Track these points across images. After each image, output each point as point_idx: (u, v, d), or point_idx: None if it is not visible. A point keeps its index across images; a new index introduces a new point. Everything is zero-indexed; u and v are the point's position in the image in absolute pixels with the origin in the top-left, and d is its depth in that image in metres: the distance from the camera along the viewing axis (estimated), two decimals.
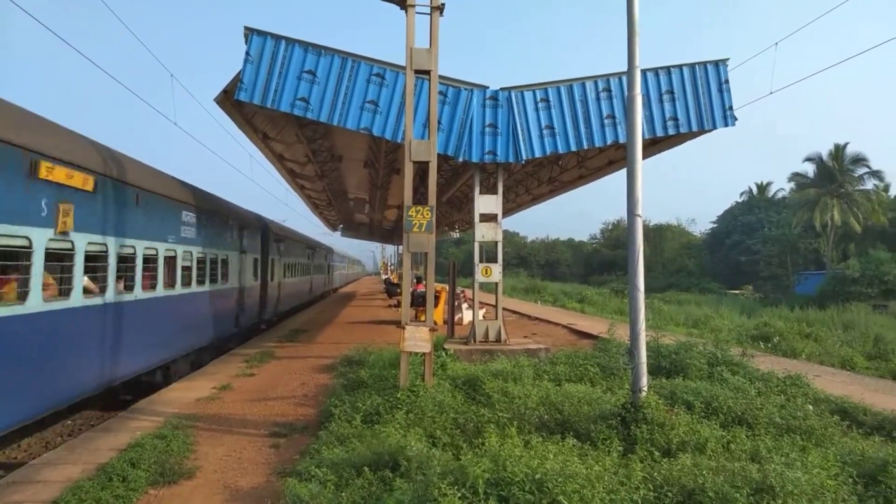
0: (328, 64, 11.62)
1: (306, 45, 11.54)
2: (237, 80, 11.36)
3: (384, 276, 61.52)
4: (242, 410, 9.15)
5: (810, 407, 7.82)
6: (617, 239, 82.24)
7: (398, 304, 21.56)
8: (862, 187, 55.20)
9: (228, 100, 12.31)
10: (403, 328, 8.30)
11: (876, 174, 55.32)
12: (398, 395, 7.74)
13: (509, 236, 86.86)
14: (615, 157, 16.99)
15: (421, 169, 13.67)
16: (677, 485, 4.80)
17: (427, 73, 8.85)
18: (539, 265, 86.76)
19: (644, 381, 6.69)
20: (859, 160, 55.33)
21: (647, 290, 7.56)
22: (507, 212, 27.22)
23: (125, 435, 7.58)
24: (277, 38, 11.41)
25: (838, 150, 55.89)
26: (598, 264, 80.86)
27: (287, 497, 5.16)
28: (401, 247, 9.45)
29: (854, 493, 5.12)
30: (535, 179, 21.25)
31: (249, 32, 11.29)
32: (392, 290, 34.47)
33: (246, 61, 11.25)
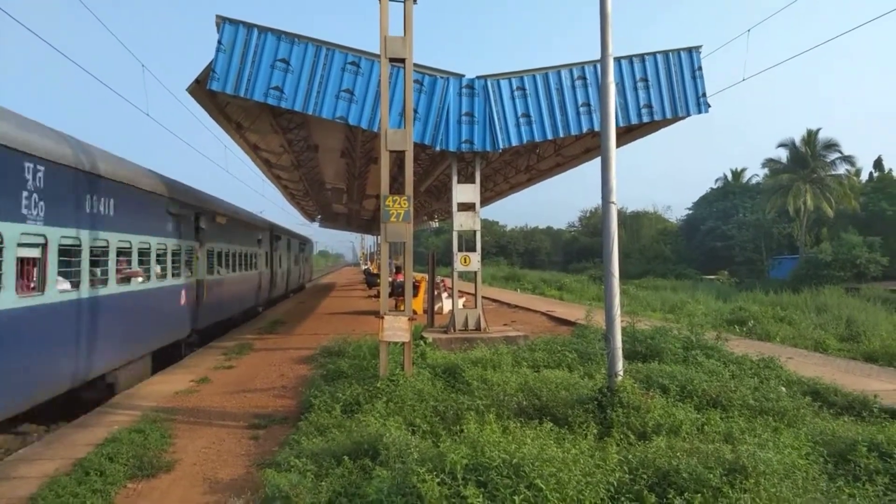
0: (302, 52, 11.51)
1: (279, 34, 11.40)
2: (209, 70, 11.20)
3: (364, 267, 61.35)
4: (221, 403, 9.10)
5: (783, 389, 7.99)
6: (595, 226, 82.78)
7: (378, 295, 21.58)
8: (834, 172, 56.28)
9: (201, 89, 12.12)
10: (383, 318, 8.32)
11: (847, 159, 56.50)
12: (378, 385, 7.77)
13: (488, 225, 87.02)
14: (591, 144, 17.09)
15: (398, 158, 13.66)
16: (652, 467, 4.88)
17: (402, 61, 8.81)
18: (518, 253, 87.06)
19: (620, 365, 6.78)
20: (831, 145, 56.38)
21: (624, 276, 7.66)
22: (486, 200, 27.29)
23: (102, 430, 7.51)
24: (250, 27, 11.26)
25: (811, 136, 56.86)
26: (576, 252, 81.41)
27: (267, 488, 5.15)
28: (379, 237, 9.44)
29: (824, 472, 5.26)
30: (513, 168, 21.31)
31: (221, 21, 11.12)
32: (372, 280, 34.40)
33: (218, 50, 11.09)
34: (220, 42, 11.07)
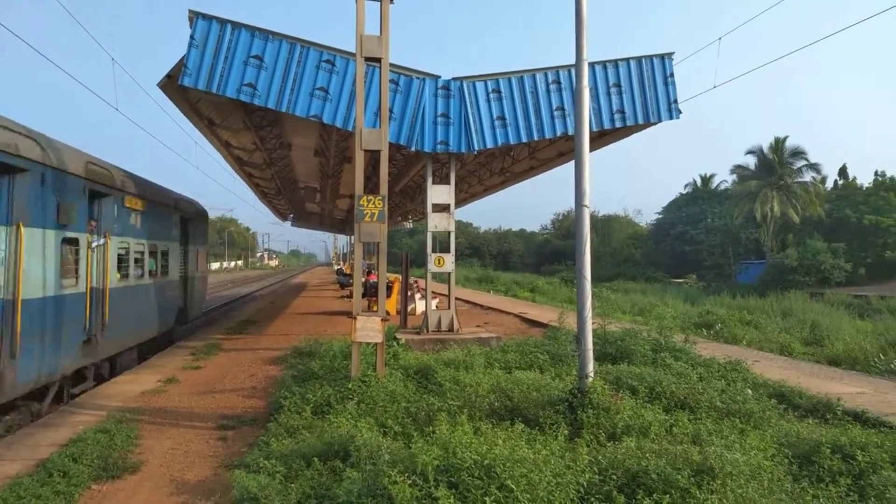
0: (276, 49, 11.38)
1: (253, 30, 11.26)
2: (181, 65, 11.00)
3: (336, 267, 60.95)
4: (189, 403, 8.94)
5: (749, 391, 8.12)
6: (567, 229, 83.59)
7: (350, 295, 21.41)
8: (800, 179, 57.82)
9: (172, 85, 11.90)
10: (355, 318, 8.26)
11: (813, 167, 58.17)
12: (349, 386, 7.71)
13: (462, 226, 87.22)
14: (565, 148, 17.24)
15: (373, 158, 13.60)
16: (622, 467, 4.93)
17: (378, 60, 8.77)
18: (492, 255, 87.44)
19: (590, 367, 6.84)
20: (798, 153, 57.94)
21: (596, 279, 7.73)
22: (460, 202, 27.34)
23: (66, 430, 7.33)
24: (223, 22, 11.09)
25: (778, 143, 58.32)
26: (549, 254, 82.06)
27: (235, 489, 5.08)
28: (353, 237, 9.37)
29: (789, 473, 5.35)
30: (488, 170, 21.38)
31: (194, 16, 10.94)
32: (344, 280, 34.20)
33: (190, 45, 10.89)
34: (192, 37, 10.89)
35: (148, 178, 13.88)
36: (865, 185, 59.63)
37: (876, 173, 58.64)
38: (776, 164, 57.75)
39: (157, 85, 12.14)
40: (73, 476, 5.68)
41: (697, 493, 4.46)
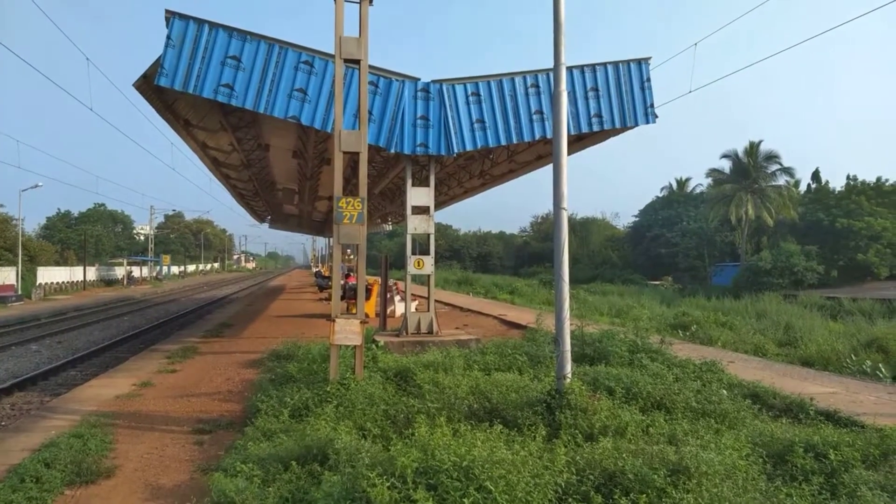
0: (254, 50, 11.30)
1: (231, 31, 11.16)
2: (157, 65, 10.86)
3: (315, 269, 60.54)
4: (164, 407, 8.83)
5: (724, 392, 8.20)
6: (546, 232, 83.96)
7: (329, 298, 21.27)
8: (774, 183, 58.87)
9: (148, 85, 11.75)
10: (334, 321, 8.22)
11: (787, 171, 59.25)
12: (328, 389, 7.67)
13: (442, 229, 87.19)
14: (544, 151, 17.36)
15: (352, 160, 13.56)
16: (599, 467, 4.97)
17: (357, 62, 8.75)
18: (471, 257, 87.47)
19: (568, 368, 6.89)
20: (772, 157, 59.00)
21: (574, 281, 7.77)
22: (440, 204, 27.36)
23: (39, 435, 7.21)
24: (200, 23, 10.98)
25: (753, 147, 59.34)
26: (528, 256, 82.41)
27: (212, 493, 5.02)
28: (332, 239, 9.33)
29: (763, 473, 5.42)
30: (467, 172, 21.44)
31: (171, 16, 10.81)
32: (323, 283, 33.94)
33: (167, 45, 10.77)
34: (169, 37, 10.76)
35: (123, 179, 13.71)
36: (838, 188, 60.88)
37: (848, 177, 59.93)
38: (751, 167, 58.77)
39: (133, 85, 11.97)
40: (46, 481, 5.58)
41: (673, 492, 4.51)
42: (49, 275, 46.99)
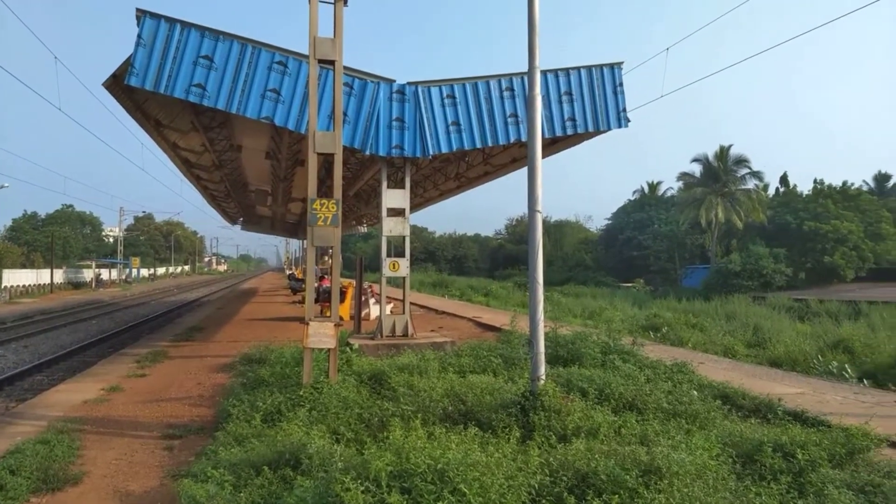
0: (227, 50, 11.16)
1: (203, 30, 11.01)
2: (128, 65, 10.67)
3: (288, 272, 59.96)
4: (133, 412, 8.65)
5: (695, 392, 8.29)
6: (521, 234, 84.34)
7: (302, 301, 21.07)
8: (744, 186, 60.09)
9: (118, 85, 11.55)
10: (307, 324, 8.14)
11: (756, 174, 60.63)
12: (301, 393, 7.58)
13: (417, 231, 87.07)
14: (518, 154, 17.45)
15: (326, 161, 13.46)
16: (572, 468, 4.99)
17: (332, 63, 8.71)
18: (447, 260, 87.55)
19: (542, 369, 6.92)
20: (741, 161, 60.24)
21: (548, 283, 7.82)
22: (415, 206, 27.30)
23: (3, 441, 7.01)
24: (172, 22, 10.81)
25: (723, 152, 60.49)
26: (503, 259, 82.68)
27: (182, 499, 4.93)
28: (306, 241, 9.25)
29: (733, 472, 5.50)
30: (443, 175, 21.45)
31: (142, 14, 10.63)
32: (296, 286, 33.64)
33: (137, 45, 10.58)
34: (139, 36, 10.57)
35: (92, 180, 13.44)
36: (805, 192, 62.38)
37: (815, 181, 61.51)
38: (721, 171, 59.90)
39: (103, 84, 11.76)
40: (11, 489, 5.44)
41: (645, 492, 4.55)
42: (15, 277, 45.88)
